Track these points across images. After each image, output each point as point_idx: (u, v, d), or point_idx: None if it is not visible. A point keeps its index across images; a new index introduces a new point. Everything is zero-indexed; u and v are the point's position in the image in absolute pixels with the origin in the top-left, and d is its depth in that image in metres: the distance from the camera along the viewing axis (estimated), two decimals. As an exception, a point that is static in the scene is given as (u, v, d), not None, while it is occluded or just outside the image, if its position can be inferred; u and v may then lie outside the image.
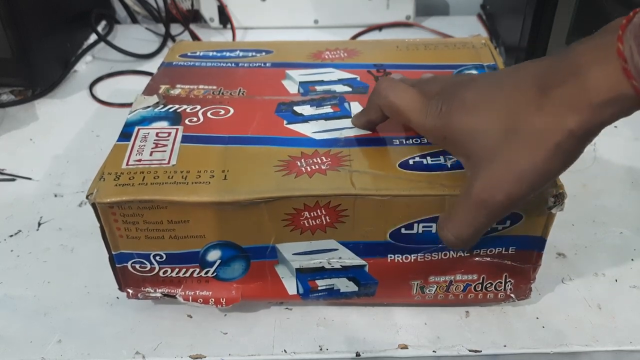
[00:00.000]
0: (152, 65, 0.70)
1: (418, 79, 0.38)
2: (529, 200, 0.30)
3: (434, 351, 0.37)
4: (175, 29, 0.78)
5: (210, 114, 0.40)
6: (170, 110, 0.41)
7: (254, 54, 0.49)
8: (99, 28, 0.75)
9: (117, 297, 0.40)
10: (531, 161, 0.28)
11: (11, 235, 0.47)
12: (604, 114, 0.26)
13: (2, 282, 0.43)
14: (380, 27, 0.78)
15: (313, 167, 0.35)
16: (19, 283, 0.43)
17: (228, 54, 0.49)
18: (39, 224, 0.48)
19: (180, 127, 0.39)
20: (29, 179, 0.53)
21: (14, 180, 0.53)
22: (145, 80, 0.47)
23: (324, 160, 0.35)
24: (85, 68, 0.71)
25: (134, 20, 0.84)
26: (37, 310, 0.41)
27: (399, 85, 0.35)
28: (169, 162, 0.36)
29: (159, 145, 0.37)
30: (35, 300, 0.41)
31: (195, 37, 0.77)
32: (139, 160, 0.36)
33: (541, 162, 0.28)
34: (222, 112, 0.40)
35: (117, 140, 0.38)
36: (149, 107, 0.41)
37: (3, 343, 0.38)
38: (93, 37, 0.73)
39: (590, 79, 0.26)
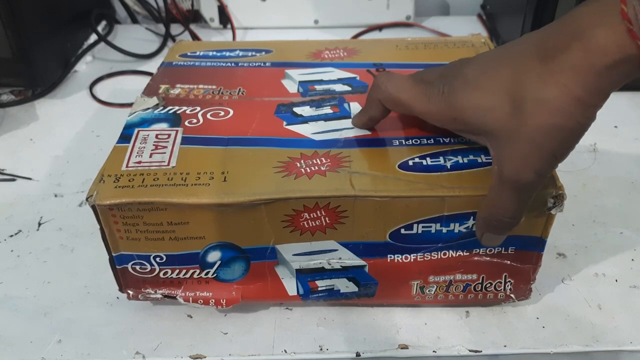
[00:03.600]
0: (152, 65, 0.70)
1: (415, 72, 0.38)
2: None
3: (434, 351, 0.37)
4: (176, 29, 0.78)
5: (210, 115, 0.40)
6: (170, 111, 0.41)
7: (253, 53, 0.49)
8: (99, 28, 0.75)
9: (117, 297, 0.40)
10: (548, 134, 0.27)
11: (11, 235, 0.47)
12: (610, 77, 0.26)
13: (2, 282, 0.43)
14: (380, 27, 0.78)
15: (312, 168, 0.35)
16: (19, 283, 0.43)
17: (228, 53, 0.49)
18: (39, 224, 0.48)
19: (180, 129, 0.39)
20: (29, 179, 0.53)
21: (14, 180, 0.53)
22: (145, 80, 0.47)
23: (324, 161, 0.35)
24: (85, 68, 0.71)
25: (134, 20, 0.84)
26: (37, 310, 0.41)
27: (397, 76, 0.34)
28: (168, 164, 0.36)
29: (158, 147, 0.37)
30: (35, 300, 0.41)
31: (195, 37, 0.77)
32: (139, 162, 0.36)
33: (557, 133, 0.27)
34: (222, 113, 0.40)
35: (117, 142, 0.38)
36: (148, 108, 0.41)
37: (3, 343, 0.38)
38: (93, 37, 0.73)
39: (594, 42, 0.25)
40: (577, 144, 0.29)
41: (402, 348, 0.37)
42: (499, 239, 0.34)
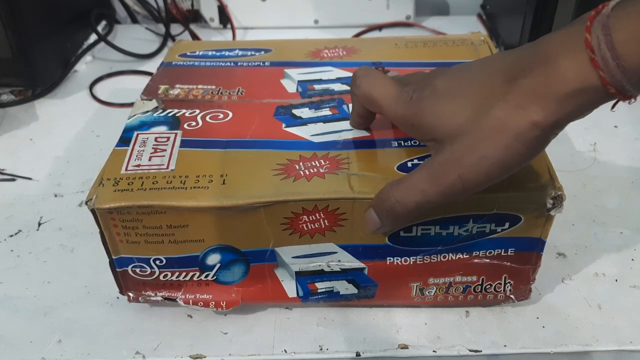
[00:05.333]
0: (152, 65, 0.70)
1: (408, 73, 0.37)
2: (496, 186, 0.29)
3: (434, 351, 0.37)
4: (175, 29, 0.78)
5: (209, 118, 0.40)
6: (169, 114, 0.41)
7: (252, 52, 0.49)
8: (99, 28, 0.75)
9: (117, 297, 0.40)
10: (491, 149, 0.27)
11: (11, 235, 0.47)
12: (570, 106, 0.26)
13: (2, 282, 0.43)
14: (380, 27, 0.78)
15: (311, 170, 0.35)
16: (19, 283, 0.43)
17: (227, 53, 0.49)
18: (39, 224, 0.48)
19: (179, 132, 0.39)
20: (29, 179, 0.53)
21: (14, 180, 0.53)
22: (145, 80, 0.47)
23: (323, 163, 0.35)
24: (85, 68, 0.71)
25: (134, 20, 0.84)
26: (37, 310, 0.41)
27: (374, 73, 0.34)
28: (167, 167, 0.36)
29: (157, 150, 0.37)
30: (35, 300, 0.41)
31: (195, 37, 0.77)
32: (138, 166, 0.36)
33: (501, 152, 0.27)
34: (221, 115, 0.40)
35: (116, 146, 0.38)
36: (148, 111, 0.41)
37: (3, 343, 0.38)
38: (93, 37, 0.73)
39: (558, 70, 0.26)
40: (512, 172, 0.29)
41: (402, 348, 0.37)
42: (376, 225, 0.33)
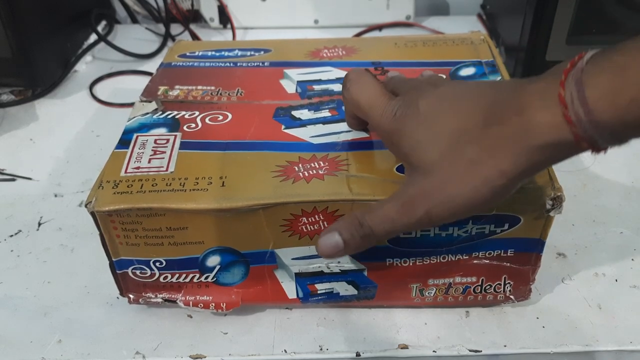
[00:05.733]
0: (152, 65, 0.70)
1: (412, 78, 0.37)
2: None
3: (434, 351, 0.37)
4: (175, 29, 0.78)
5: (209, 119, 0.40)
6: (169, 116, 0.41)
7: (252, 53, 0.49)
8: (99, 28, 0.75)
9: (117, 297, 0.40)
10: (459, 190, 0.28)
11: (11, 235, 0.47)
12: (540, 157, 0.26)
13: (2, 282, 0.43)
14: (380, 27, 0.78)
15: (311, 172, 0.35)
16: (19, 283, 0.43)
17: (227, 53, 0.49)
18: (39, 224, 0.48)
19: (179, 134, 0.39)
20: (29, 179, 0.53)
21: (14, 180, 0.53)
22: (145, 80, 0.47)
23: (322, 165, 0.35)
24: (85, 68, 0.71)
25: (134, 20, 0.84)
26: (37, 310, 0.41)
27: (365, 78, 0.34)
28: (167, 169, 0.36)
29: (157, 153, 0.37)
30: (35, 300, 0.41)
31: (195, 37, 0.77)
32: (137, 168, 0.36)
33: (468, 194, 0.28)
34: (221, 117, 0.40)
35: (116, 148, 0.38)
36: (147, 113, 0.41)
37: (3, 343, 0.38)
38: (93, 37, 0.73)
39: (531, 122, 0.26)
40: (478, 213, 0.29)
41: (402, 348, 0.37)
42: (337, 248, 0.32)
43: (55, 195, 0.51)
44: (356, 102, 0.34)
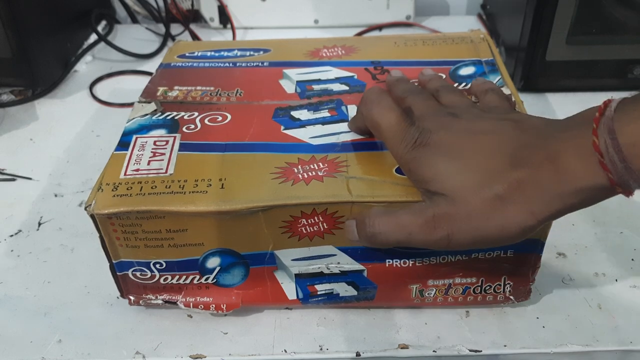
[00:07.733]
0: (152, 65, 0.70)
1: (425, 92, 0.37)
2: None
3: (434, 351, 0.37)
4: (176, 29, 0.78)
5: (208, 120, 0.40)
6: (168, 117, 0.41)
7: (251, 53, 0.49)
8: (99, 28, 0.75)
9: (117, 297, 0.40)
10: (485, 223, 0.29)
11: (11, 235, 0.47)
12: (573, 200, 0.28)
13: (2, 282, 0.43)
14: (380, 27, 0.78)
15: (310, 173, 0.35)
16: (19, 283, 0.43)
17: (226, 53, 0.49)
18: (39, 224, 0.48)
19: (178, 135, 0.39)
20: (29, 179, 0.53)
21: (14, 180, 0.53)
22: (145, 80, 0.47)
23: (321, 166, 0.35)
24: (85, 68, 0.71)
25: (134, 20, 0.84)
26: (37, 310, 0.41)
27: (387, 102, 0.35)
28: (166, 171, 0.35)
29: (156, 154, 0.37)
30: (35, 300, 0.41)
31: (195, 37, 0.77)
32: (137, 170, 0.36)
33: (494, 229, 0.29)
34: (220, 118, 0.40)
35: (115, 150, 0.38)
36: (146, 114, 0.41)
37: (3, 343, 0.38)
38: (93, 37, 0.73)
39: (567, 169, 0.27)
40: (496, 246, 0.31)
41: (402, 348, 0.37)
42: (353, 237, 0.34)
43: (55, 195, 0.51)
44: (376, 125, 0.34)
